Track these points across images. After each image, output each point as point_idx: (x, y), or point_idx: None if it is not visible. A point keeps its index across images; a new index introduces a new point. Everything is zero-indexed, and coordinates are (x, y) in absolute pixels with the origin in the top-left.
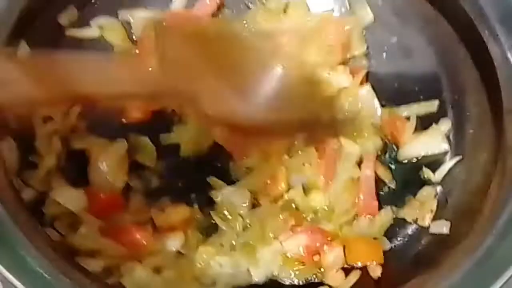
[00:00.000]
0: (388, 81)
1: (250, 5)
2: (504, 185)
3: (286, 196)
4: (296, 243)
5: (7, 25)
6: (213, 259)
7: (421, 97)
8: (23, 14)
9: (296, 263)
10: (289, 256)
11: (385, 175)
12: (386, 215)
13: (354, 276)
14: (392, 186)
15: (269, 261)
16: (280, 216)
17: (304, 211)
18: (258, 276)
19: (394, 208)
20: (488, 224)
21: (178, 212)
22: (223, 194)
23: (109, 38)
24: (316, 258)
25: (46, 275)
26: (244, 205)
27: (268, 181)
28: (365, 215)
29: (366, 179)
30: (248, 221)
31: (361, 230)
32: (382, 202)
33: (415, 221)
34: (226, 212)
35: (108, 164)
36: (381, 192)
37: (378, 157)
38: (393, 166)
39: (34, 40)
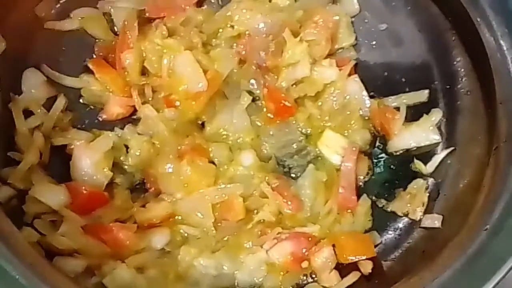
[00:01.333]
0: (377, 71)
1: None
2: (497, 178)
3: (255, 218)
4: (281, 251)
5: None
6: (196, 260)
7: (411, 86)
8: None
9: (281, 272)
10: (276, 264)
11: (363, 169)
12: (365, 203)
13: (353, 277)
14: (369, 179)
15: (253, 270)
16: (255, 230)
17: (283, 222)
18: (242, 284)
19: (384, 201)
20: (480, 219)
21: (160, 208)
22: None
23: (90, 30)
24: (304, 264)
25: (21, 280)
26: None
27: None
28: (346, 210)
29: (347, 172)
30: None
31: (349, 226)
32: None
33: (406, 215)
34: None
35: (92, 159)
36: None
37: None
38: (382, 158)
39: (11, 33)
